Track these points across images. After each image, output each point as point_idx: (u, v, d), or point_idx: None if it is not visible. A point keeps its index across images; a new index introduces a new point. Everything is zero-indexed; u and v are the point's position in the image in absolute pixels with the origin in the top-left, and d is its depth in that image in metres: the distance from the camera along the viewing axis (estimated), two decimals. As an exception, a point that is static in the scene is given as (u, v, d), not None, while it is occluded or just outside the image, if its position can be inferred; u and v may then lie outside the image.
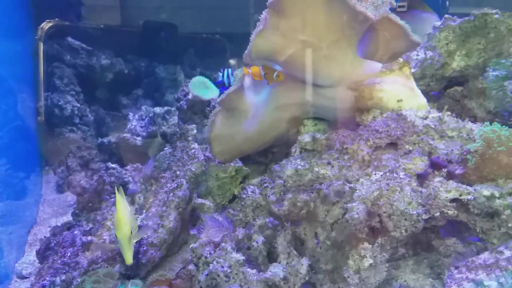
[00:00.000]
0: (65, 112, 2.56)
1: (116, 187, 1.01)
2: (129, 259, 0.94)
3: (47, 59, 2.60)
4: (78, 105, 2.62)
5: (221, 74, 1.98)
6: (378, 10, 1.25)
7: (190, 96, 1.93)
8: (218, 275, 0.87)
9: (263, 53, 1.30)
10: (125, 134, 2.18)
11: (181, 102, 1.96)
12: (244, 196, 1.06)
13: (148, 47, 3.11)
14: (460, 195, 0.98)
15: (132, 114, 2.29)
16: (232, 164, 1.50)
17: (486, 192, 0.96)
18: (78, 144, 2.48)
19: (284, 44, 1.27)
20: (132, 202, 1.35)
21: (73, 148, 2.46)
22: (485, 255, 0.90)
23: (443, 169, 1.08)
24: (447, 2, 2.74)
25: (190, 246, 0.93)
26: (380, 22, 1.34)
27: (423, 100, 1.24)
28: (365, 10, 1.19)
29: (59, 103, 2.55)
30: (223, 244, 0.91)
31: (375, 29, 1.35)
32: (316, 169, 1.10)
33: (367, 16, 1.20)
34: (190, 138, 1.40)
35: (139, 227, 1.22)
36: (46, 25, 2.63)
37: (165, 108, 2.19)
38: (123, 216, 0.94)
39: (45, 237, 1.38)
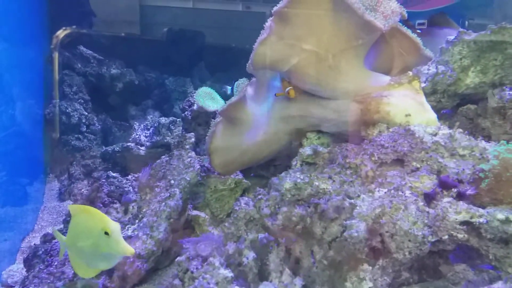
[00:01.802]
0: (72, 120, 2.55)
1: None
2: (130, 248, 0.85)
3: (58, 67, 2.61)
4: (86, 113, 2.61)
5: (229, 88, 1.95)
6: (388, 20, 1.19)
7: (195, 107, 1.90)
8: (203, 292, 0.81)
9: (266, 62, 1.25)
10: (129, 144, 2.15)
11: (186, 112, 1.93)
12: (237, 208, 0.99)
13: (172, 55, 3.07)
14: (471, 218, 0.91)
15: (137, 124, 2.26)
16: (232, 176, 1.44)
17: (501, 216, 0.88)
18: (83, 152, 2.47)
19: (288, 53, 1.22)
20: (125, 212, 1.30)
21: (77, 156, 2.44)
22: (499, 285, 0.82)
23: (452, 189, 1.01)
24: (466, 22, 2.67)
25: (176, 259, 0.87)
26: (390, 34, 1.29)
27: (432, 115, 1.17)
28: (374, 19, 1.15)
29: (67, 111, 2.54)
30: (211, 258, 0.85)
31: (384, 41, 1.30)
32: (316, 183, 1.03)
33: (376, 26, 1.15)
34: (187, 147, 1.35)
35: (130, 237, 1.17)
36: (61, 33, 2.63)
37: (171, 118, 2.16)
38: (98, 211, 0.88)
39: (34, 244, 1.33)
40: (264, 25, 1.24)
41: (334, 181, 1.04)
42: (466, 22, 2.57)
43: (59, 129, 2.60)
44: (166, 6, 3.14)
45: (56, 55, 2.62)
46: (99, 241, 0.86)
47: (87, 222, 0.89)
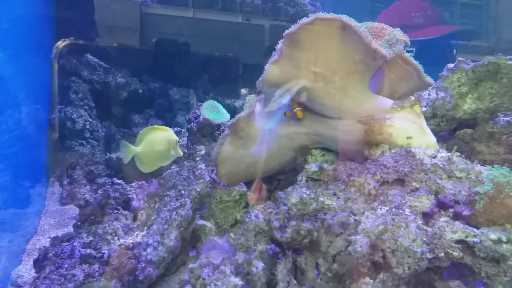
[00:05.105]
0: (77, 125, 2.59)
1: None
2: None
3: (65, 73, 2.66)
4: (91, 120, 2.66)
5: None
6: (393, 48, 1.27)
7: (201, 119, 1.95)
8: (215, 298, 0.86)
9: (276, 81, 1.32)
10: (133, 152, 2.19)
11: (192, 123, 1.98)
12: (247, 220, 1.05)
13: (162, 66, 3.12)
14: (466, 237, 0.97)
15: (142, 132, 2.30)
16: (237, 188, 1.49)
17: (493, 236, 0.94)
18: (86, 158, 2.50)
19: (297, 75, 1.29)
20: (134, 219, 1.35)
21: (80, 162, 2.48)
22: (490, 301, 0.88)
23: (449, 209, 1.07)
24: (454, 51, 2.85)
25: (189, 266, 0.92)
26: (394, 60, 1.36)
27: (432, 139, 1.24)
28: (380, 47, 1.22)
29: (72, 117, 2.59)
30: (222, 267, 0.90)
31: (388, 66, 1.38)
32: (322, 199, 1.09)
33: (381, 54, 1.22)
34: (198, 159, 1.40)
35: (139, 243, 1.22)
36: (60, 44, 2.70)
37: (176, 128, 2.21)
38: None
39: (44, 246, 1.37)
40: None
41: (338, 197, 1.10)
42: (454, 51, 2.76)
43: (62, 134, 2.64)
44: (166, 14, 3.19)
45: (55, 65, 2.67)
46: (170, 146, 1.41)
47: (160, 135, 1.41)
